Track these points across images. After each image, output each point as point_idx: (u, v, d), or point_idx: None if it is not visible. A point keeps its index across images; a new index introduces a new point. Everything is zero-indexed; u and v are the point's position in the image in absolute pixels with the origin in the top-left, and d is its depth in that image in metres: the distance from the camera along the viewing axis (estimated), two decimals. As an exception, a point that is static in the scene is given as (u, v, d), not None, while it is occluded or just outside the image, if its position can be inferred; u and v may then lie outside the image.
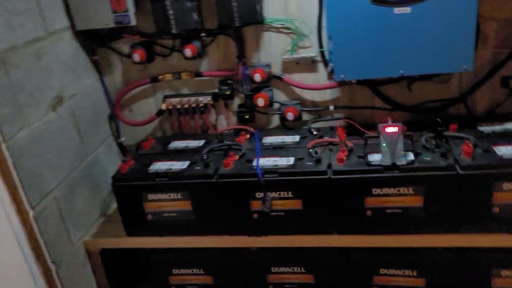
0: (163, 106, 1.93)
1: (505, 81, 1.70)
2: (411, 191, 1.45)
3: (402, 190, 1.45)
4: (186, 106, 1.91)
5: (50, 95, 1.58)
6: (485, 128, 1.63)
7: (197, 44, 1.78)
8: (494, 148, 1.47)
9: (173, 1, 1.63)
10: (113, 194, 1.90)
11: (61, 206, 1.60)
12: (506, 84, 1.70)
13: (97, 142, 1.87)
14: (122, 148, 2.05)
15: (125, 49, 1.87)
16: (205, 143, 1.81)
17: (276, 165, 1.55)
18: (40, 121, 1.51)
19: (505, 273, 1.53)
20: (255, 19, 1.65)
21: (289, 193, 1.52)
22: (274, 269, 1.69)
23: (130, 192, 1.62)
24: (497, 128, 1.63)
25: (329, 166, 1.51)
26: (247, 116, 1.91)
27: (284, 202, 1.54)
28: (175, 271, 1.77)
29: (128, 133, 2.04)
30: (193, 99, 1.91)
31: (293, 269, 1.68)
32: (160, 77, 1.90)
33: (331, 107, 1.85)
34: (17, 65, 1.42)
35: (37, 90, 1.51)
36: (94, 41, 1.85)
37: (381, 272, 1.62)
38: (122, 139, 2.03)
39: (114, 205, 1.93)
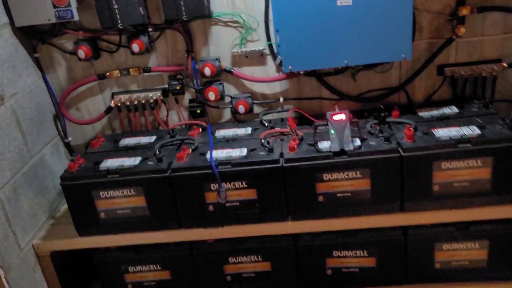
0: (112, 103, 1.89)
1: (440, 69, 1.83)
2: (359, 175, 1.52)
3: (351, 174, 1.53)
4: (135, 102, 1.89)
5: (-11, 94, 1.51)
6: (424, 113, 1.74)
7: (144, 39, 1.76)
8: (433, 131, 1.58)
9: (118, -5, 1.61)
10: (61, 196, 1.86)
11: (7, 209, 1.53)
12: (442, 72, 1.83)
13: (42, 142, 1.80)
14: (69, 148, 1.98)
15: (69, 45, 1.82)
16: (156, 139, 1.80)
17: (229, 156, 1.57)
18: (-21, 121, 1.44)
19: (446, 246, 1.64)
20: (203, 12, 1.66)
21: (244, 183, 1.55)
22: (231, 260, 1.71)
23: (80, 190, 1.58)
24: (435, 113, 1.74)
25: (281, 155, 1.56)
26: (198, 111, 1.92)
27: (239, 192, 1.57)
28: (131, 269, 1.74)
29: (75, 132, 1.98)
30: (142, 95, 1.88)
31: (250, 258, 1.71)
32: (108, 73, 1.86)
33: (281, 99, 1.89)
34: (-49, 63, 1.34)
35: (-25, 89, 1.44)
36: (34, 38, 1.78)
37: (334, 254, 1.68)
38: (69, 138, 1.97)
39: (63, 207, 1.88)
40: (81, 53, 1.74)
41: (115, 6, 1.63)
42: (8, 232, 1.53)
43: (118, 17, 1.64)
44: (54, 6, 1.62)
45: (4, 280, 1.48)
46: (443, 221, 1.61)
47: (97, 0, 1.63)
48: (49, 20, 1.64)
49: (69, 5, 1.61)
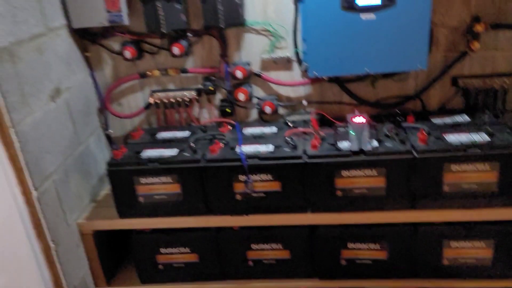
0: (151, 100, 2.08)
1: (454, 80, 1.97)
2: (375, 173, 1.67)
3: (368, 172, 1.68)
4: (172, 100, 2.07)
5: (49, 86, 1.70)
6: (437, 121, 1.89)
7: (184, 43, 1.95)
8: (445, 136, 1.72)
9: (164, 3, 1.80)
10: (101, 182, 2.06)
11: (59, 189, 1.72)
12: (455, 83, 1.97)
13: (88, 132, 2.00)
14: (109, 139, 2.18)
15: (116, 46, 2.02)
16: (190, 134, 1.98)
17: (257, 151, 1.74)
18: (41, 110, 1.64)
19: (454, 244, 1.77)
20: (238, 21, 1.84)
21: (269, 175, 1.72)
22: (254, 246, 1.87)
23: (123, 176, 1.76)
24: (448, 120, 1.88)
25: (304, 151, 1.72)
26: (228, 110, 2.09)
27: (264, 184, 1.73)
28: (162, 250, 1.91)
29: (116, 125, 2.18)
30: (178, 93, 2.07)
31: (271, 246, 1.86)
32: (149, 73, 2.05)
33: (304, 102, 2.06)
34: (22, 58, 1.54)
35: (39, 82, 1.63)
36: (87, 39, 1.98)
37: (348, 246, 1.83)
38: (110, 131, 2.16)
39: (103, 192, 2.07)
40: (127, 54, 1.94)
41: (161, 13, 1.82)
42: (59, 210, 1.72)
43: (163, 22, 1.83)
44: (107, 11, 1.82)
45: (54, 253, 1.67)
46: (451, 219, 1.74)
47: (145, 7, 1.82)
48: (102, 23, 1.84)
49: (121, 10, 1.81)
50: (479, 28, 1.81)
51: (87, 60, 2.01)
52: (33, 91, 1.60)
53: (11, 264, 1.50)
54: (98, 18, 1.83)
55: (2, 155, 1.46)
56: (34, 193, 1.57)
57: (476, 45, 1.84)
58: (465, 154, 1.63)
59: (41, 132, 1.62)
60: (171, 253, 1.92)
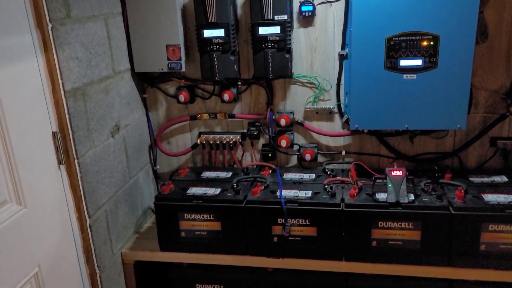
0: (198, 141, 2.22)
1: (493, 141, 2.01)
2: (411, 226, 1.71)
3: (403, 224, 1.72)
4: (217, 142, 2.21)
5: (110, 123, 1.87)
6: (475, 179, 1.92)
7: (233, 90, 2.10)
8: (482, 195, 1.75)
9: (219, 55, 1.97)
10: (145, 215, 2.17)
11: (108, 219, 1.85)
12: (494, 144, 2.01)
13: (138, 167, 2.14)
14: (156, 175, 2.32)
15: (171, 90, 2.19)
16: (232, 174, 2.09)
17: (296, 196, 1.82)
18: (102, 144, 1.80)
19: (490, 305, 1.76)
20: (286, 74, 1.98)
21: (307, 221, 1.78)
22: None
23: (169, 210, 1.88)
24: (486, 179, 1.91)
25: (342, 200, 1.79)
26: (270, 155, 2.20)
27: (301, 229, 1.80)
28: (198, 286, 1.98)
29: (163, 162, 2.32)
30: (224, 136, 2.20)
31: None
32: (199, 116, 2.21)
33: (343, 152, 2.14)
34: (91, 97, 1.72)
35: (102, 119, 1.80)
36: (146, 82, 2.17)
37: (382, 297, 1.84)
38: (157, 167, 2.31)
39: (146, 225, 2.19)
40: (181, 98, 2.10)
41: (216, 63, 1.98)
42: (107, 238, 1.84)
43: (217, 71, 1.99)
44: (168, 59, 2.00)
45: (98, 278, 1.78)
46: (487, 279, 1.73)
47: (202, 57, 1.99)
48: (162, 69, 2.02)
49: (180, 59, 1.99)
50: (518, 92, 1.87)
51: (144, 101, 2.20)
52: (97, 127, 1.77)
53: (58, 285, 1.61)
54: (159, 64, 2.02)
55: (65, 183, 1.61)
56: (88, 220, 1.70)
57: (515, 108, 1.89)
58: (502, 214, 1.65)
59: (100, 165, 1.77)
60: (207, 290, 1.98)
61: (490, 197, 1.73)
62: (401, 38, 1.74)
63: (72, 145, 1.61)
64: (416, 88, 1.78)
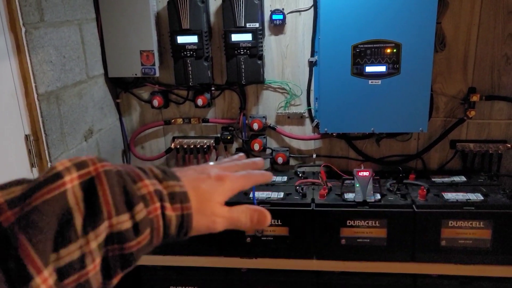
0: (172, 145, 2.25)
1: (453, 143, 2.14)
2: (377, 224, 1.80)
3: (370, 222, 1.80)
4: (191, 146, 2.25)
5: (84, 127, 1.89)
6: (437, 179, 2.03)
7: (207, 95, 2.15)
8: (443, 194, 1.86)
9: (193, 60, 2.02)
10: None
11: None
12: (454, 146, 2.13)
13: (112, 171, 2.15)
14: (129, 179, 2.33)
15: (145, 95, 2.22)
16: (206, 178, 2.13)
17: (269, 197, 1.88)
18: (75, 148, 1.81)
19: (451, 298, 1.86)
20: (258, 79, 2.04)
21: (279, 221, 1.85)
22: (260, 290, 1.96)
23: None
24: (446, 179, 2.03)
25: (313, 200, 1.86)
26: (242, 158, 2.25)
27: (273, 229, 1.86)
28: (173, 288, 2.01)
29: (137, 166, 2.33)
30: (198, 141, 2.25)
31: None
32: (172, 120, 2.24)
33: (314, 155, 2.22)
34: (65, 101, 1.74)
35: (76, 123, 1.82)
36: (119, 87, 2.20)
37: (350, 294, 1.92)
38: (131, 171, 2.32)
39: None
40: (155, 102, 2.13)
41: (189, 68, 2.03)
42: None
43: (191, 77, 2.04)
44: (142, 64, 2.04)
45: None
46: (449, 273, 1.84)
47: (176, 63, 2.04)
48: (135, 74, 2.05)
49: (154, 64, 2.03)
50: (474, 98, 2.00)
51: (118, 106, 2.21)
52: (71, 131, 1.78)
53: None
54: (132, 70, 2.05)
55: (39, 186, 1.62)
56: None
57: (472, 113, 2.02)
58: (461, 211, 1.76)
59: (74, 168, 1.78)
60: (180, 291, 2.01)
61: (450, 196, 1.84)
62: (366, 46, 1.84)
63: (45, 148, 1.62)
64: (381, 93, 1.88)
